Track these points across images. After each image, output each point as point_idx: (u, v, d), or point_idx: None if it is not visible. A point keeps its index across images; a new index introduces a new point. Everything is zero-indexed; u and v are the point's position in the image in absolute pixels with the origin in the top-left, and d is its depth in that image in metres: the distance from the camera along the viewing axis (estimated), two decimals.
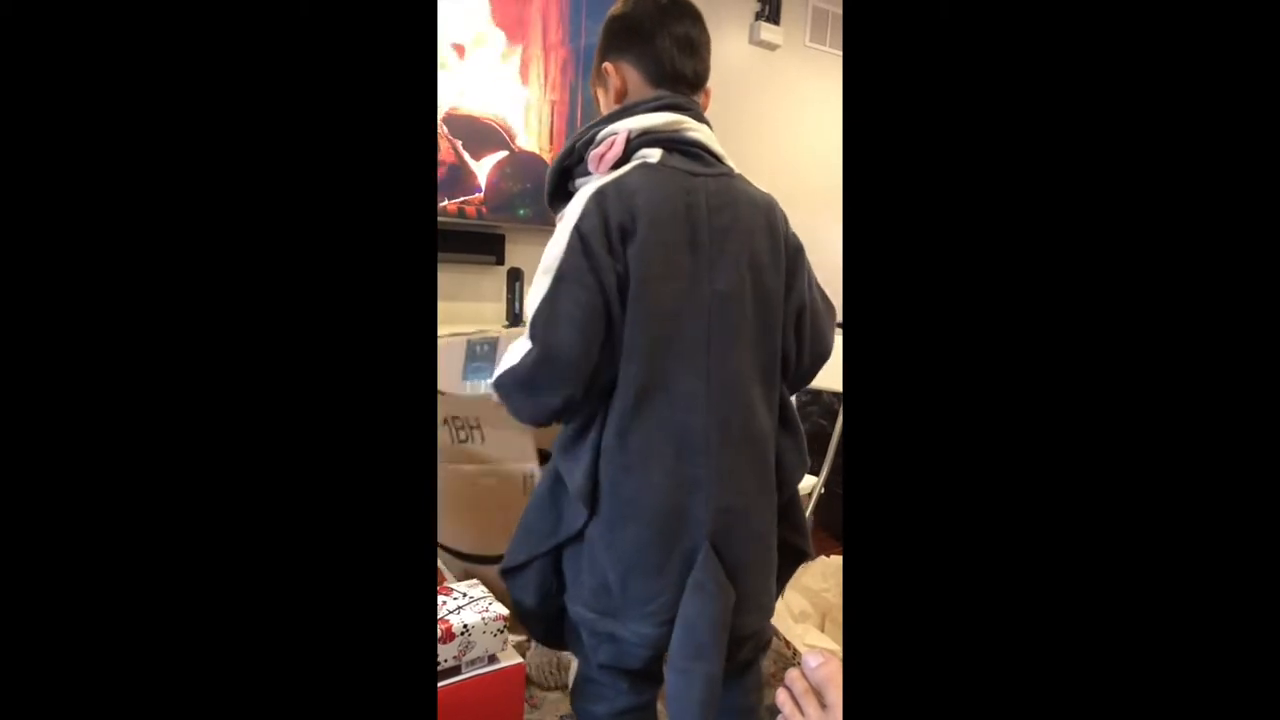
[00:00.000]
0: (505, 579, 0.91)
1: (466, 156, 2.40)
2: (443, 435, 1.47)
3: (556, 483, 0.87)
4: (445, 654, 0.95)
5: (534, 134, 2.53)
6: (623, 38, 0.89)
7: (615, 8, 0.91)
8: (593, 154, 0.84)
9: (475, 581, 1.08)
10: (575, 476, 0.82)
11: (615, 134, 0.83)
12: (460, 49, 2.31)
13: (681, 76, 0.88)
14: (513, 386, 0.80)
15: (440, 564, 1.19)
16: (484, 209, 2.46)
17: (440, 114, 2.30)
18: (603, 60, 0.90)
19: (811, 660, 0.55)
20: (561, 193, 0.89)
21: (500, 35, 2.39)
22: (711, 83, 0.92)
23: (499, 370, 0.81)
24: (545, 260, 0.79)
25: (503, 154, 2.47)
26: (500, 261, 2.58)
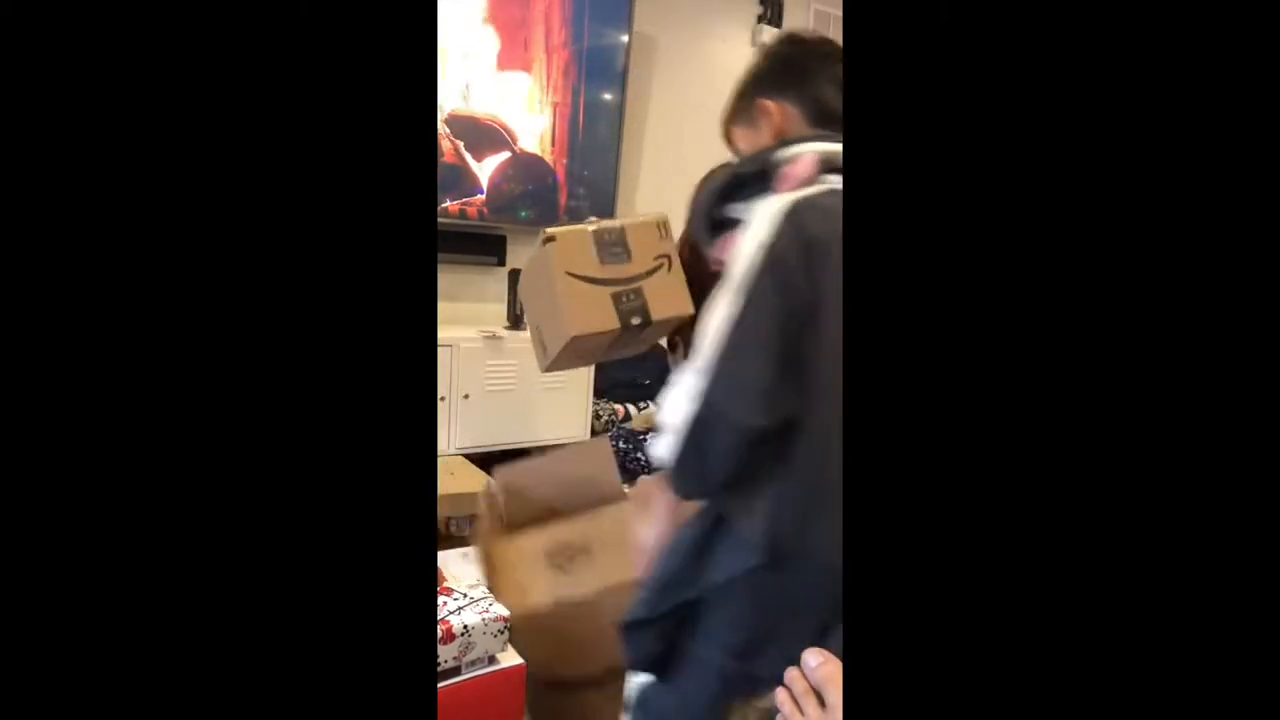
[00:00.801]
0: (627, 632, 0.86)
1: (468, 157, 2.40)
2: (541, 565, 1.19)
3: (715, 528, 0.82)
4: (445, 654, 0.95)
5: (536, 136, 2.53)
6: (784, 77, 0.89)
7: (771, 45, 0.92)
8: (785, 170, 0.80)
9: (475, 582, 1.08)
10: (755, 521, 0.77)
11: (802, 154, 0.80)
12: (463, 50, 2.31)
13: (838, 118, 0.87)
14: (692, 431, 0.76)
15: (440, 564, 1.19)
16: (485, 210, 2.47)
17: (442, 115, 2.30)
18: (756, 96, 0.90)
19: (811, 660, 0.55)
20: (712, 221, 0.86)
21: (503, 37, 2.39)
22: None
23: (666, 433, 0.77)
24: (731, 279, 0.75)
25: (505, 155, 2.47)
26: (502, 263, 2.59)
